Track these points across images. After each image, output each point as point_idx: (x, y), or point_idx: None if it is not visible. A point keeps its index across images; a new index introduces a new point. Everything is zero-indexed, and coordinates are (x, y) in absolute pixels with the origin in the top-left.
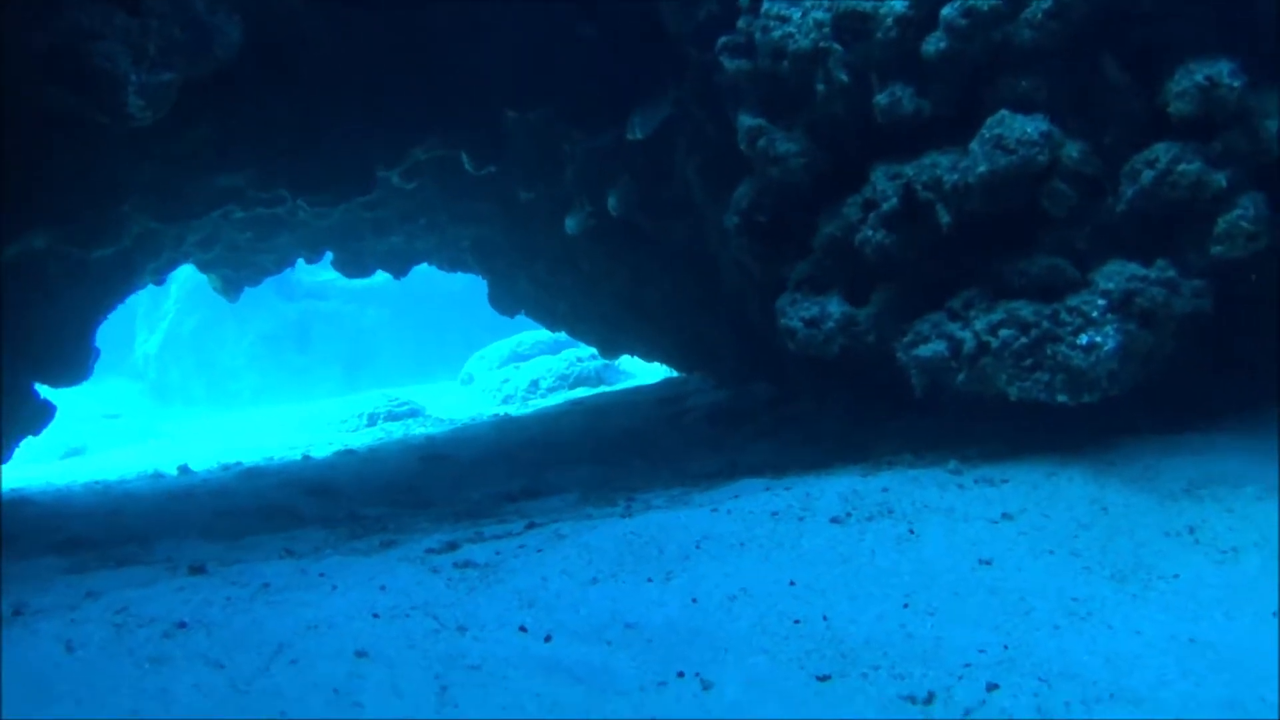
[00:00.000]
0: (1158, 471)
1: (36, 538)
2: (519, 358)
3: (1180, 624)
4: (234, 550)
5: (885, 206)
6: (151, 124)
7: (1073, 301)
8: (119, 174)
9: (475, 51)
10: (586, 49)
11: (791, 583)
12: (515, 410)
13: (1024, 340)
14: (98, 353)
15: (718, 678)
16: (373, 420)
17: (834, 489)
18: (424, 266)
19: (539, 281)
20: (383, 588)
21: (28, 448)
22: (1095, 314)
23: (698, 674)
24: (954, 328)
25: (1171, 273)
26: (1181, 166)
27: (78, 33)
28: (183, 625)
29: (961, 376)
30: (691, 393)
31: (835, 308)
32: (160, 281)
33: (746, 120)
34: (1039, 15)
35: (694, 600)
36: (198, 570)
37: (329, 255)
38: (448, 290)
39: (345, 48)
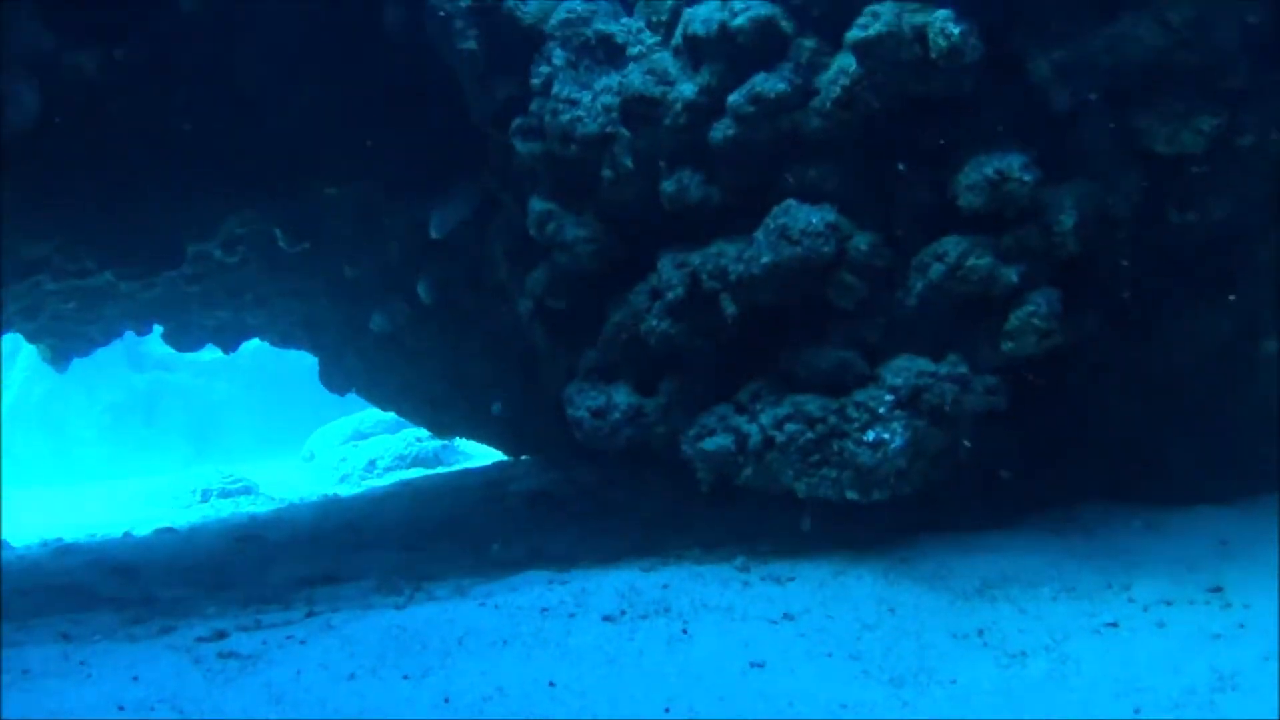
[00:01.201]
0: (951, 570)
1: None
2: (360, 435)
3: None
4: (20, 631)
5: (670, 296)
6: None
7: (860, 397)
8: None
9: (290, 125)
10: (405, 126)
11: (551, 683)
12: (347, 490)
13: (810, 435)
14: None
15: None
16: (206, 496)
17: (612, 585)
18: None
19: (367, 358)
20: (136, 678)
21: None
22: (883, 410)
23: None
24: (740, 421)
25: (963, 369)
26: (971, 260)
27: None
28: None
29: (748, 471)
30: (519, 476)
31: (622, 398)
32: None
33: (537, 205)
34: (828, 104)
35: (446, 700)
36: None
37: (159, 328)
38: (299, 365)
39: (151, 118)
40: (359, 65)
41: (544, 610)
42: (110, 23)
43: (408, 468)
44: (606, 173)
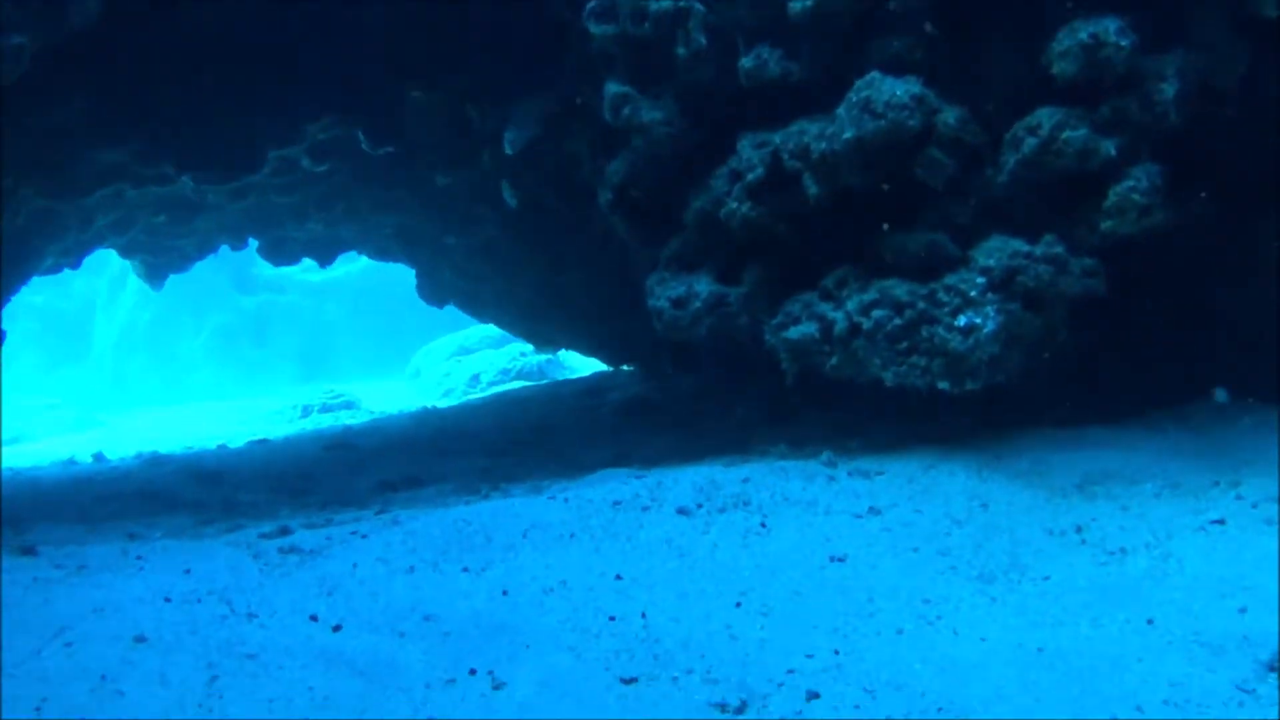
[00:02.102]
0: (1048, 466)
1: None
2: (465, 351)
3: (1035, 631)
4: (93, 533)
5: (751, 177)
6: (10, 86)
7: (950, 280)
8: None
9: (370, 24)
10: (487, 23)
11: (618, 576)
12: (445, 403)
13: (898, 321)
14: (4, 335)
15: (511, 676)
16: (306, 412)
17: (690, 479)
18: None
19: (461, 270)
20: (188, 571)
21: None
22: (974, 293)
23: (491, 671)
24: (825, 308)
25: (1059, 249)
26: (1066, 133)
27: None
28: None
29: (834, 360)
30: (617, 386)
31: (704, 287)
32: (75, 265)
33: (613, 88)
34: None
35: (505, 592)
36: (28, 551)
37: (254, 242)
38: (406, 285)
39: (223, 17)
40: None
41: (616, 504)
42: None
43: (512, 381)
44: (681, 51)
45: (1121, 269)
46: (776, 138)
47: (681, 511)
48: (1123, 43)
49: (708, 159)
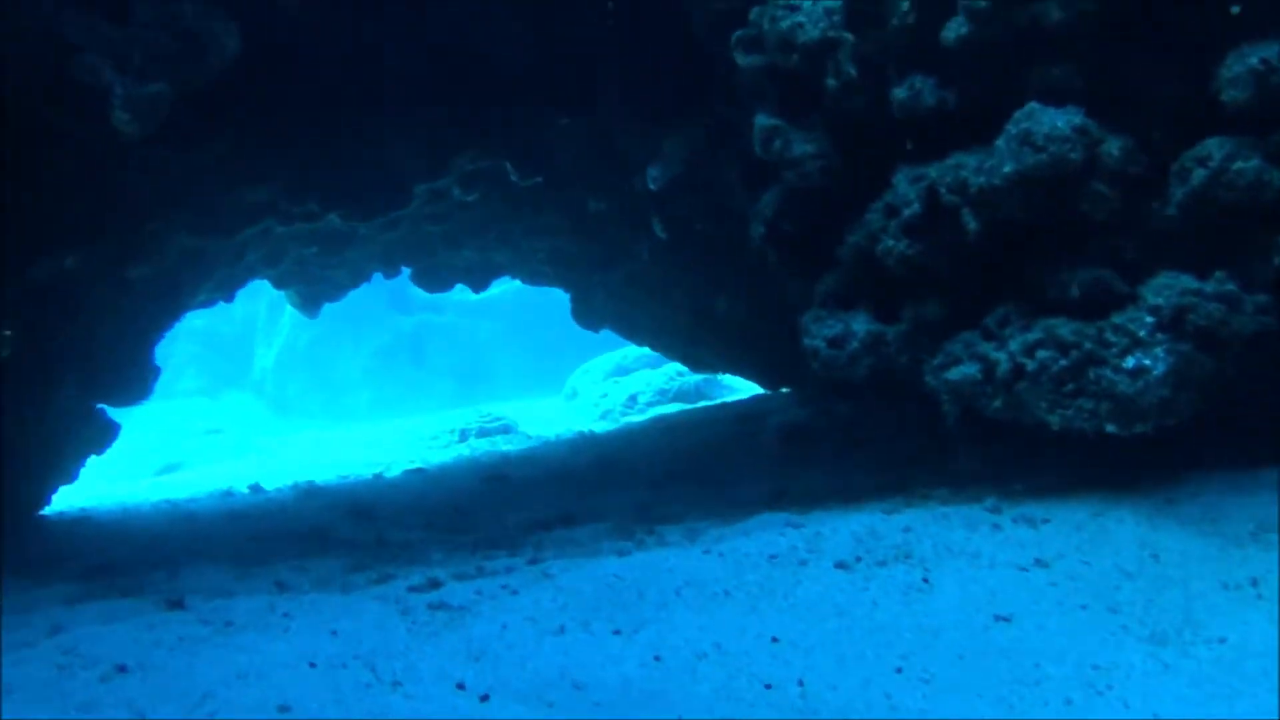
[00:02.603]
0: (1222, 512)
1: (72, 562)
2: (622, 371)
3: (1211, 704)
4: (243, 579)
5: (907, 213)
6: (143, 135)
7: (1118, 319)
8: (140, 189)
9: (513, 55)
10: (634, 50)
11: (774, 639)
12: (602, 427)
13: (1064, 363)
14: (158, 371)
15: None
16: (464, 436)
17: (849, 528)
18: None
19: (615, 294)
20: (334, 633)
21: (122, 464)
22: (1143, 333)
23: None
24: (988, 348)
25: (1231, 286)
26: (1237, 165)
27: (59, 44)
28: (123, 669)
29: (996, 402)
30: (774, 410)
31: (861, 325)
32: (229, 298)
33: (762, 121)
34: None
35: (657, 658)
36: (175, 605)
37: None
38: (563, 303)
39: (363, 53)
40: None
41: (772, 557)
42: None
43: (669, 402)
44: (831, 82)
45: None
46: (932, 171)
47: (840, 566)
48: None
49: (861, 192)
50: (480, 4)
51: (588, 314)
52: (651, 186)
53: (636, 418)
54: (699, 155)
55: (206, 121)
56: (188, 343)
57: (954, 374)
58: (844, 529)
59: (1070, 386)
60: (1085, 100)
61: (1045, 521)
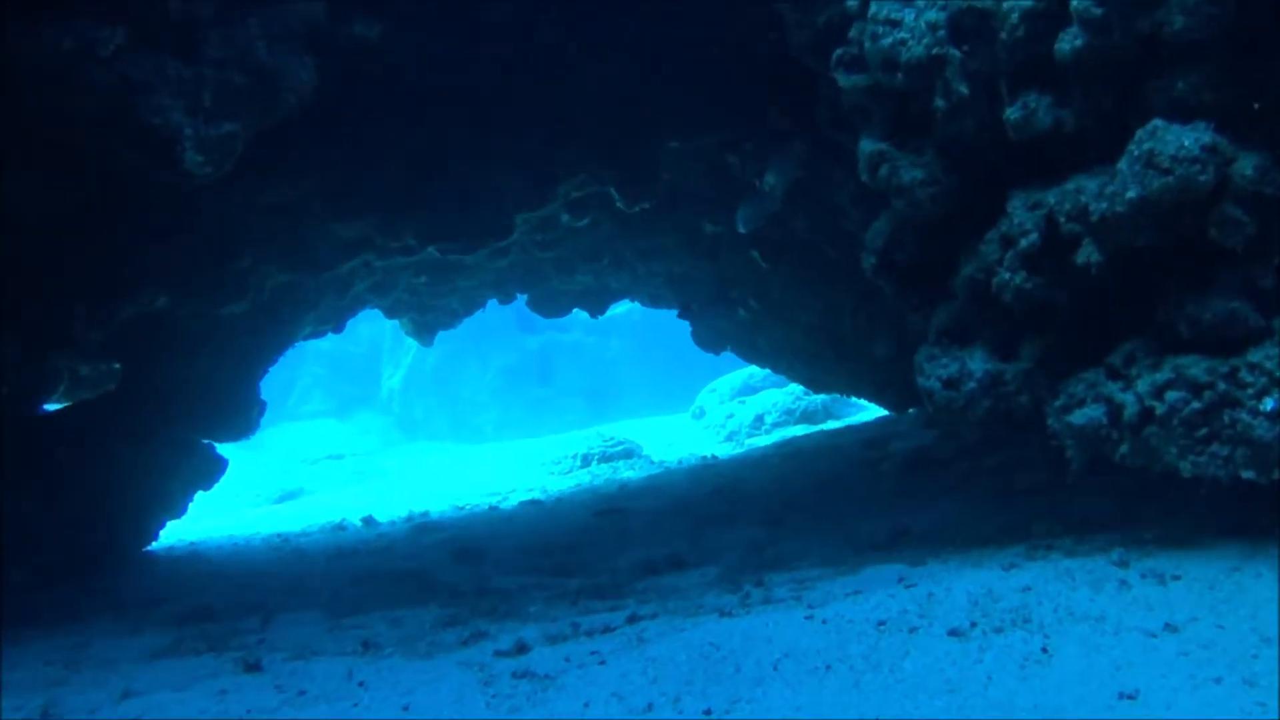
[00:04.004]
0: None
1: (171, 603)
2: (749, 390)
3: None
4: (333, 630)
5: (1024, 243)
6: (218, 176)
7: (1254, 356)
8: (225, 227)
9: (614, 79)
10: (739, 70)
11: None
12: (728, 449)
13: (1196, 405)
14: (264, 406)
15: None
16: (586, 461)
17: (964, 588)
18: None
19: (737, 316)
20: (406, 708)
21: (243, 491)
22: None
23: None
24: (1113, 388)
25: None
26: None
27: (127, 87)
28: None
29: (1124, 448)
30: (899, 434)
31: (978, 364)
32: (339, 329)
33: (868, 146)
34: None
35: None
36: (253, 669)
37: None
38: None
39: (454, 85)
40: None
41: (880, 624)
42: None
43: (795, 422)
44: (939, 102)
45: None
46: (1050, 197)
47: (953, 633)
48: None
49: (976, 219)
50: (580, 31)
51: (710, 336)
52: (741, 229)
53: (762, 439)
54: (811, 175)
55: (289, 157)
56: (315, 365)
57: (1078, 417)
58: (959, 588)
59: (1203, 431)
60: (1215, 114)
61: (1176, 578)
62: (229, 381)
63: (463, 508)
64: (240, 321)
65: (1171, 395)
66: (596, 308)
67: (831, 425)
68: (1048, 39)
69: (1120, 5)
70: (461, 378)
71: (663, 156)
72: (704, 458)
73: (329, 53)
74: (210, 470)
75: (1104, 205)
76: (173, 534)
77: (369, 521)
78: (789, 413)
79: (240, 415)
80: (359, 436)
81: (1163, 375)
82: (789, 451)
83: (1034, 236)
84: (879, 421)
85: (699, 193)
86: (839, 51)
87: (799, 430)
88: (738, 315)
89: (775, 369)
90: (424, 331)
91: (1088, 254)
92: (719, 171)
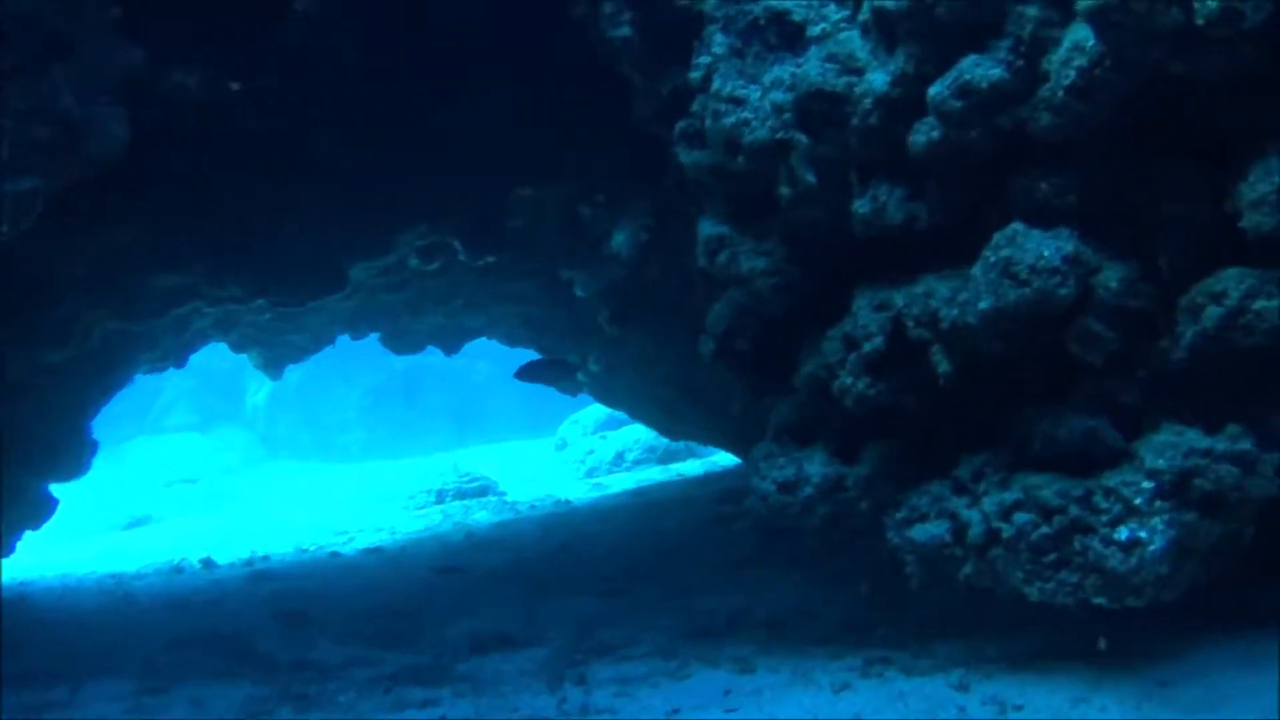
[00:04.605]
0: (1225, 695)
1: None
2: (613, 423)
3: None
4: (134, 713)
5: (868, 347)
6: (15, 233)
7: (1111, 481)
8: (44, 275)
9: (462, 127)
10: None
11: None
12: (583, 488)
13: (1045, 530)
14: (95, 446)
15: None
16: (440, 498)
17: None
18: None
19: (591, 360)
20: None
21: (94, 515)
22: (1140, 501)
23: None
24: (959, 504)
25: (1246, 444)
26: (1260, 304)
27: None
28: None
29: (968, 569)
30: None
31: (816, 469)
32: (180, 364)
33: (706, 229)
34: (1060, 94)
35: None
36: None
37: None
38: None
39: (283, 134)
40: (534, 61)
41: None
42: (213, 33)
43: (658, 460)
44: (785, 190)
45: None
46: (899, 298)
47: None
48: None
49: (822, 310)
50: (426, 75)
51: (567, 378)
52: (581, 293)
53: (622, 476)
54: (663, 228)
55: (111, 206)
56: (181, 377)
57: (919, 533)
58: (782, 713)
59: (1052, 557)
60: (1079, 219)
61: (1018, 708)
62: (57, 424)
63: (305, 550)
64: (67, 365)
65: (1020, 517)
66: (451, 346)
67: (693, 465)
68: (903, 128)
69: (981, 99)
70: (327, 396)
71: (514, 204)
72: (558, 501)
73: (150, 102)
74: (39, 511)
75: (955, 313)
76: (10, 568)
77: (208, 564)
78: (651, 450)
79: (70, 457)
80: (221, 453)
81: (1011, 495)
82: (642, 503)
83: (878, 341)
84: (739, 470)
85: (554, 240)
86: (682, 124)
87: (659, 471)
88: (588, 369)
89: (633, 415)
90: (272, 366)
91: (936, 362)
92: (575, 220)
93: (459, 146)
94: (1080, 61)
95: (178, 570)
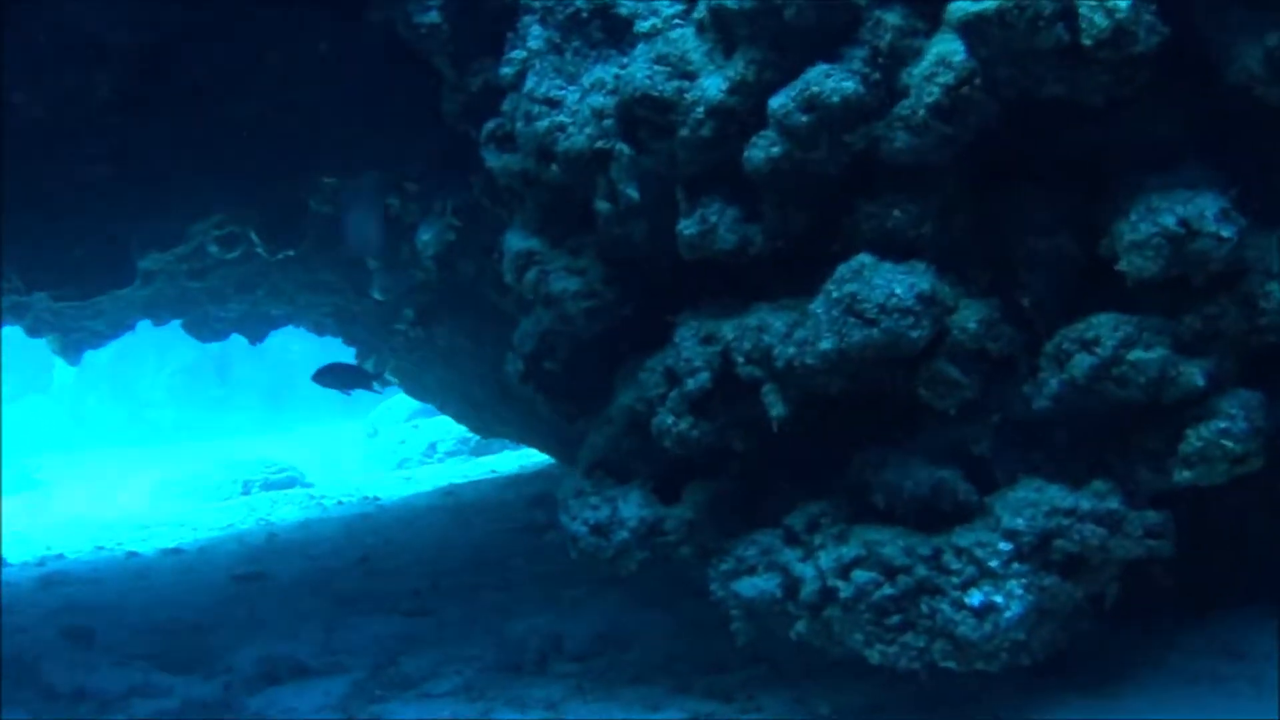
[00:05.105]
0: None
1: None
2: (428, 411)
3: None
4: None
5: (692, 385)
6: None
7: (964, 540)
8: None
9: (256, 114)
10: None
11: None
12: (394, 481)
13: (888, 590)
14: None
15: None
16: (247, 488)
17: None
18: None
19: (402, 355)
20: None
21: None
22: (995, 563)
23: None
24: (791, 556)
25: (1113, 502)
26: (1136, 353)
27: None
28: None
29: (800, 626)
30: None
31: (632, 510)
32: None
33: (515, 243)
34: (921, 113)
35: None
36: None
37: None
38: None
39: (71, 110)
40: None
41: None
42: None
43: (470, 453)
44: (603, 205)
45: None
46: (728, 330)
47: None
48: (1224, 232)
49: (640, 335)
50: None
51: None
52: (379, 297)
53: (434, 469)
54: (474, 223)
55: None
56: None
57: (746, 587)
58: None
59: (895, 619)
60: (936, 251)
61: None
62: None
63: (102, 548)
64: None
65: (860, 575)
66: (256, 334)
67: (506, 458)
68: (738, 142)
69: (830, 114)
70: (138, 372)
71: (318, 193)
72: (366, 498)
73: None
74: None
75: (791, 351)
76: None
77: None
78: (464, 442)
79: None
80: (27, 428)
81: (851, 550)
82: (451, 504)
83: (704, 377)
84: (551, 471)
85: (357, 230)
86: (491, 124)
87: (471, 464)
88: (401, 352)
89: (444, 410)
90: (70, 351)
91: (769, 404)
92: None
93: (258, 132)
94: (946, 78)
95: None
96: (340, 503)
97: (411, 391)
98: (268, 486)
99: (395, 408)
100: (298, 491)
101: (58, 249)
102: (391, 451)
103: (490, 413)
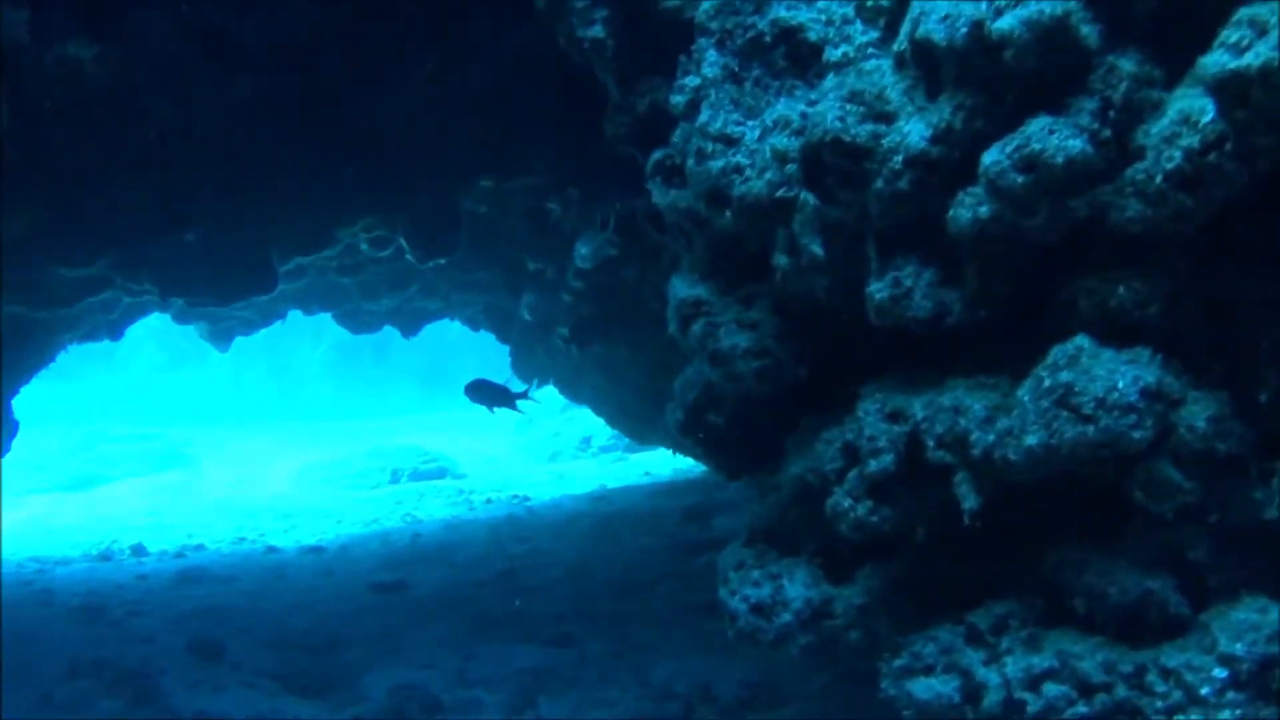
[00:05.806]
0: None
1: None
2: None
3: None
4: None
5: (874, 465)
6: None
7: (1172, 659)
8: None
9: (414, 113)
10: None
11: None
12: (544, 479)
13: (1082, 709)
14: (16, 426)
15: None
16: (395, 477)
17: None
18: None
19: (558, 356)
20: None
21: (37, 472)
22: (1207, 690)
23: None
24: (974, 658)
25: None
26: None
27: None
28: None
29: None
30: (728, 504)
31: (798, 590)
32: (116, 336)
33: (680, 289)
34: (1158, 180)
35: None
36: None
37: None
38: None
39: (210, 113)
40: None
41: None
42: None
43: (624, 450)
44: (781, 259)
45: None
46: (917, 408)
47: None
48: None
49: (814, 398)
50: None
51: (529, 368)
52: (582, 264)
53: (587, 463)
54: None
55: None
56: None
57: (922, 689)
58: None
59: None
60: (1160, 335)
61: None
62: None
63: (243, 540)
64: None
65: (1051, 689)
66: (410, 328)
67: (661, 458)
68: (938, 196)
69: (1052, 176)
70: (294, 348)
71: (474, 193)
72: (514, 497)
73: (33, 77)
74: None
75: (990, 439)
76: None
77: (138, 550)
78: (618, 437)
79: None
80: (185, 400)
81: (1042, 660)
82: (602, 511)
83: (888, 460)
84: (707, 478)
85: (519, 231)
86: (658, 154)
87: (624, 463)
88: (557, 354)
89: (597, 413)
90: (220, 339)
91: (962, 495)
92: (540, 214)
93: (409, 136)
94: (1190, 141)
95: (105, 557)
96: (489, 501)
97: (565, 393)
98: (417, 476)
99: (550, 394)
100: (447, 483)
101: (195, 256)
102: (545, 443)
103: (646, 423)
